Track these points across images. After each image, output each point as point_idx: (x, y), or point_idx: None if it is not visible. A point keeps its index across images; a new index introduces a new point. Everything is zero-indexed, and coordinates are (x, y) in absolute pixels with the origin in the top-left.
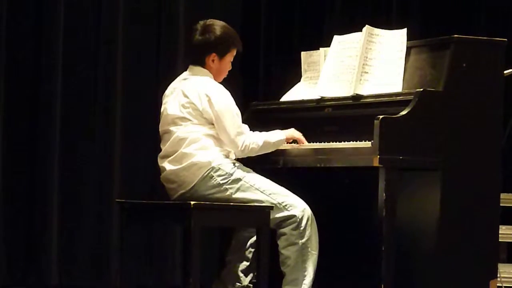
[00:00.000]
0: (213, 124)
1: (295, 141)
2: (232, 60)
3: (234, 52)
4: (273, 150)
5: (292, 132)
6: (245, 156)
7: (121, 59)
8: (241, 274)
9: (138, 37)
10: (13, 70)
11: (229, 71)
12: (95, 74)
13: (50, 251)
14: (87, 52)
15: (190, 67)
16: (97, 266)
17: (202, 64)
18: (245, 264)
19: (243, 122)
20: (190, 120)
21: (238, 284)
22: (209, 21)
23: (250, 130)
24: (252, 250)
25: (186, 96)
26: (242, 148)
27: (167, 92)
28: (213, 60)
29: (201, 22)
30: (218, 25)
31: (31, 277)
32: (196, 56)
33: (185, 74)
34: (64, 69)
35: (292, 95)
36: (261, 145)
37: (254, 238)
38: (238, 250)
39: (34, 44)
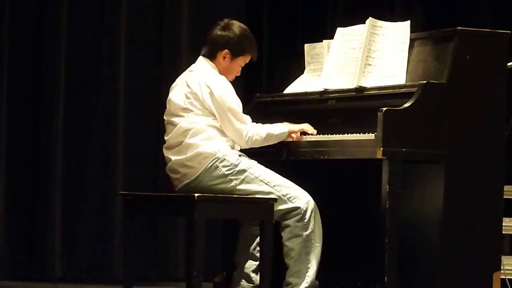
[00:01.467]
0: (215, 115)
1: (303, 133)
2: (243, 65)
3: (248, 59)
4: (276, 142)
5: (297, 126)
6: (249, 147)
7: (124, 55)
8: (252, 274)
9: (141, 35)
10: (16, 68)
11: (236, 77)
12: (98, 70)
13: (53, 244)
14: (90, 50)
15: (199, 58)
16: (100, 259)
17: (213, 58)
18: (254, 264)
19: (246, 114)
20: (192, 110)
21: (251, 284)
22: (233, 21)
23: (253, 122)
24: None
25: (188, 86)
26: (246, 139)
27: (174, 83)
28: (224, 57)
29: (225, 20)
30: (240, 25)
31: (34, 270)
32: (210, 50)
33: (192, 66)
34: (67, 65)
35: (295, 87)
36: (265, 137)
37: None
38: (245, 250)
39: (36, 43)
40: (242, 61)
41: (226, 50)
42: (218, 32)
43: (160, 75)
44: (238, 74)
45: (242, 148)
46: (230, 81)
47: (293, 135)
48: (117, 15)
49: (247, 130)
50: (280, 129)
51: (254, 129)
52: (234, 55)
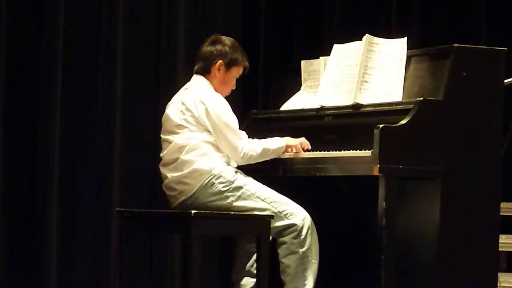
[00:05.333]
0: (210, 131)
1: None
2: (237, 77)
3: (241, 70)
4: (273, 157)
5: (295, 141)
6: (245, 163)
7: (121, 68)
8: None
9: (137, 49)
10: (12, 75)
11: (232, 90)
12: (95, 83)
13: (49, 260)
14: (87, 62)
15: (193, 77)
16: (96, 275)
17: (207, 73)
18: (251, 281)
19: (242, 131)
20: (187, 127)
21: None
22: (220, 35)
23: (250, 138)
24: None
25: (183, 104)
26: (242, 155)
27: (169, 102)
28: (219, 69)
29: (212, 36)
30: (228, 39)
31: (30, 286)
32: (203, 65)
33: (187, 84)
34: (64, 77)
35: (292, 104)
36: (260, 152)
37: None
38: (242, 268)
39: (34, 52)
40: (236, 72)
41: (220, 61)
42: (208, 47)
43: (156, 92)
44: (234, 87)
45: (238, 164)
46: (226, 96)
47: (289, 149)
48: (114, 32)
49: (243, 146)
50: (277, 144)
51: (250, 145)
52: (228, 65)
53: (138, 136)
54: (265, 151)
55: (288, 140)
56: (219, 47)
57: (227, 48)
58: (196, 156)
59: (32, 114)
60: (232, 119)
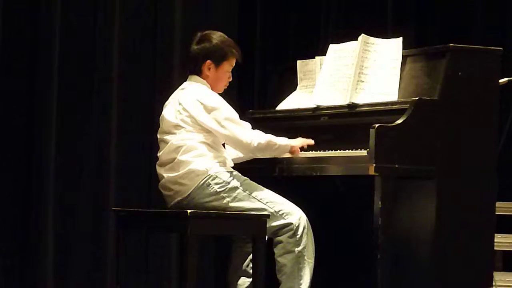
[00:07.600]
0: (207, 132)
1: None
2: (230, 69)
3: (233, 62)
4: (277, 154)
5: (298, 142)
6: (252, 154)
7: (118, 68)
8: None
9: (134, 49)
10: (8, 72)
11: (229, 82)
12: (91, 82)
13: (45, 260)
14: (84, 62)
15: (189, 77)
16: (93, 275)
17: (199, 73)
18: (247, 280)
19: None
20: (183, 127)
21: None
22: (207, 31)
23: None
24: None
25: (180, 104)
26: (249, 144)
27: (167, 102)
28: (209, 68)
29: (199, 33)
30: (214, 34)
31: (26, 285)
32: (193, 65)
33: (184, 84)
34: (60, 77)
35: (288, 103)
36: (266, 144)
37: None
38: (238, 268)
39: (31, 57)
40: (228, 65)
41: (208, 61)
42: (194, 46)
43: (153, 92)
44: (230, 79)
45: (246, 155)
46: (223, 90)
47: (294, 150)
48: (111, 31)
49: (249, 135)
50: (283, 141)
51: (256, 135)
52: (217, 63)
53: (134, 136)
54: (271, 143)
55: (291, 141)
56: (205, 45)
57: (213, 45)
58: (192, 157)
59: (28, 113)
60: (232, 112)
